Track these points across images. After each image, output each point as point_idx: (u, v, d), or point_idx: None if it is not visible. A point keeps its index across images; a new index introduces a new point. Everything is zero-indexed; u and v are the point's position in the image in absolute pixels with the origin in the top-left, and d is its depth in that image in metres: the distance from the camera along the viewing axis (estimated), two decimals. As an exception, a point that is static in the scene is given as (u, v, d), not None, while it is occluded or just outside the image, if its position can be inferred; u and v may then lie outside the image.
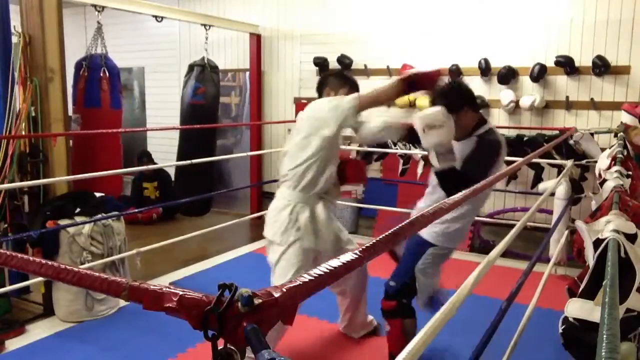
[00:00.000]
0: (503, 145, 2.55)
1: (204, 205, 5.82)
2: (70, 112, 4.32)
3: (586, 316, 1.74)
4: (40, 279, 3.23)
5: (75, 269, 0.77)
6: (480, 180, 2.31)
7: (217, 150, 6.12)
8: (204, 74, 5.56)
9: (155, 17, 4.93)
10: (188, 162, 4.89)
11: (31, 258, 0.83)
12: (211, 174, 5.88)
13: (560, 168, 4.51)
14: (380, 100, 2.63)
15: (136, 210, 5.16)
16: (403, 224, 1.04)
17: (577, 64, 4.75)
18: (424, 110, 2.40)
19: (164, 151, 7.19)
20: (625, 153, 3.38)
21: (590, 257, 1.95)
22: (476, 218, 5.23)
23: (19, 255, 0.85)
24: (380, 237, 0.94)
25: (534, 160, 4.43)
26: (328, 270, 0.76)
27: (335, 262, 0.78)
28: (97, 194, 3.76)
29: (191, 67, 5.67)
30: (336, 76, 3.00)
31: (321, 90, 2.93)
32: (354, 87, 2.90)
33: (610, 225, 1.83)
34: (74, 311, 3.43)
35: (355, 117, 2.64)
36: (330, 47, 5.89)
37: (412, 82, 2.60)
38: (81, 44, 7.20)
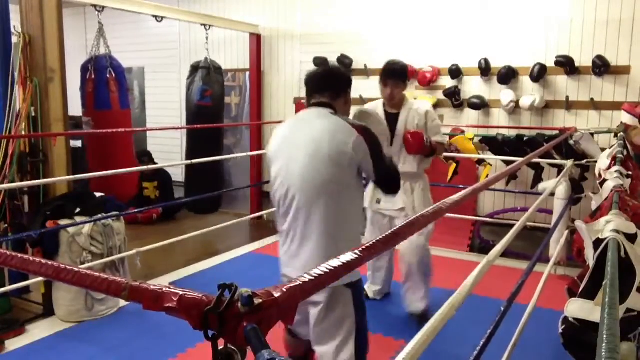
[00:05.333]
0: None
1: (213, 204, 6.09)
2: (73, 114, 4.33)
3: (586, 316, 1.74)
4: (40, 279, 3.23)
5: (75, 269, 0.77)
6: None
7: (223, 150, 6.21)
8: (209, 76, 5.62)
9: (155, 17, 4.93)
10: (188, 162, 4.92)
11: (31, 258, 0.83)
12: (221, 172, 6.04)
13: (560, 168, 4.51)
14: None
15: (136, 210, 5.16)
16: (403, 224, 1.04)
17: (577, 64, 4.75)
18: None
19: (164, 151, 7.19)
20: (625, 153, 3.38)
21: (590, 257, 1.95)
22: (476, 218, 5.28)
23: (19, 255, 0.85)
24: (380, 237, 0.94)
25: (534, 160, 4.43)
26: (328, 270, 0.76)
27: (335, 262, 0.78)
28: (97, 194, 3.76)
29: (194, 68, 5.71)
30: None
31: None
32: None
33: (610, 225, 1.82)
34: (74, 311, 3.43)
35: None
36: (330, 47, 5.89)
37: None
38: (81, 44, 7.21)
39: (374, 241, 0.91)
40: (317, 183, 2.04)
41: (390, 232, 0.97)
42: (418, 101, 3.67)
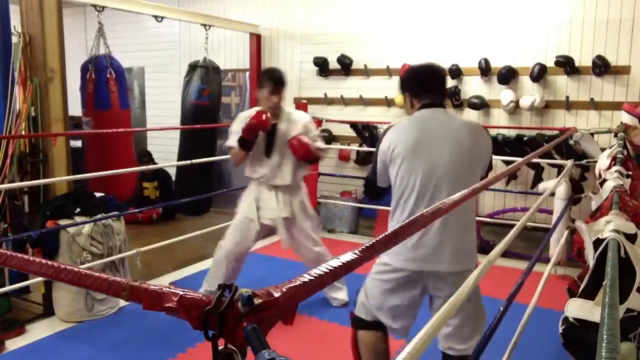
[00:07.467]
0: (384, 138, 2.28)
1: (203, 205, 5.88)
2: (73, 114, 4.34)
3: (586, 316, 1.74)
4: (40, 279, 3.23)
5: (75, 269, 0.77)
6: (374, 178, 2.33)
7: (217, 150, 6.15)
8: (208, 75, 5.61)
9: (155, 17, 4.92)
10: (188, 162, 4.91)
11: (31, 258, 0.83)
12: (211, 173, 5.95)
13: (560, 168, 4.51)
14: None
15: (136, 210, 5.17)
16: (403, 223, 1.04)
17: (577, 64, 4.75)
18: None
19: (164, 151, 7.19)
20: (625, 153, 3.39)
21: (590, 257, 1.95)
22: (476, 218, 5.25)
23: (19, 255, 0.84)
24: (380, 236, 0.94)
25: (534, 160, 4.42)
26: (328, 270, 0.76)
27: (335, 262, 0.78)
28: (97, 194, 3.77)
29: (193, 67, 5.70)
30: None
31: None
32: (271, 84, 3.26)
33: (610, 225, 1.82)
34: (74, 311, 3.43)
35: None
36: (330, 47, 5.89)
37: (242, 140, 3.18)
38: (81, 44, 7.21)
39: (374, 241, 0.91)
40: (466, 178, 2.14)
41: (390, 232, 0.97)
42: (295, 111, 3.60)
